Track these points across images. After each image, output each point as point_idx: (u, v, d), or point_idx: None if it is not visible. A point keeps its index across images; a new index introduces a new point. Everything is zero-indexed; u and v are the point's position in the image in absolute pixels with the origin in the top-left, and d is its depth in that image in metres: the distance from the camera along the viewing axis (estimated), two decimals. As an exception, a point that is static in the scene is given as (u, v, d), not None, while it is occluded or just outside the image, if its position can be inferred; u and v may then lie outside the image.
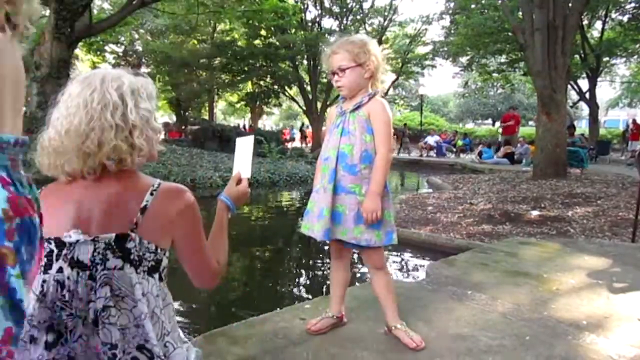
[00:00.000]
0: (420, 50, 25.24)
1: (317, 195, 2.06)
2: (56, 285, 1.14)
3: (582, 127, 28.94)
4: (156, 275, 1.19)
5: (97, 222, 1.16)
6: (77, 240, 1.15)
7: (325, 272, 4.65)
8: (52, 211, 1.18)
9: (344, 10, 22.31)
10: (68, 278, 1.14)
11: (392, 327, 2.10)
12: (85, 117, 1.16)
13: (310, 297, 3.78)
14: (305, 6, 22.15)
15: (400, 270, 4.49)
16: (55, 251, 1.16)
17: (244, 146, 1.66)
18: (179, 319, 3.02)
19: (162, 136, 1.30)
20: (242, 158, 1.64)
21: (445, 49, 22.90)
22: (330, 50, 2.01)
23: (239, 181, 1.59)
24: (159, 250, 1.19)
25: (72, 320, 1.13)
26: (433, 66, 25.52)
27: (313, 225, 2.03)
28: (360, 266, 4.47)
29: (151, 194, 1.18)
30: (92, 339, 1.12)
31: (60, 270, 1.15)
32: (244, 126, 32.03)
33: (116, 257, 1.14)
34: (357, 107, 1.99)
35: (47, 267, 1.16)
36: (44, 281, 1.15)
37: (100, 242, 1.14)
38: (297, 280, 4.57)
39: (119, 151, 1.16)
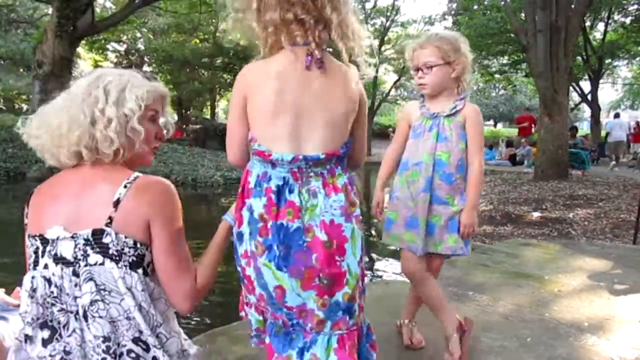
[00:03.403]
0: (423, 50, 25.21)
1: (400, 203, 1.91)
2: (44, 282, 1.15)
3: (583, 129, 28.89)
4: (140, 270, 1.17)
5: (75, 217, 1.16)
6: (58, 237, 1.15)
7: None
8: (37, 208, 1.22)
9: (346, 10, 22.31)
10: (53, 274, 1.14)
11: (402, 322, 2.11)
12: (62, 103, 1.23)
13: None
14: (308, 6, 22.15)
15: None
16: (41, 248, 1.16)
17: None
18: (181, 318, 3.02)
19: (141, 138, 1.26)
20: None
21: (447, 49, 22.82)
22: (417, 44, 1.87)
23: None
24: (138, 245, 1.16)
25: (64, 315, 1.13)
26: (435, 67, 25.50)
27: (402, 235, 1.90)
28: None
29: (125, 186, 1.17)
30: (86, 332, 1.12)
31: (46, 266, 1.15)
32: None
33: (95, 252, 1.13)
34: (454, 112, 1.86)
35: (35, 263, 1.17)
36: (32, 277, 1.16)
37: (79, 238, 1.14)
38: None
39: (92, 140, 1.19)
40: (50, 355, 1.12)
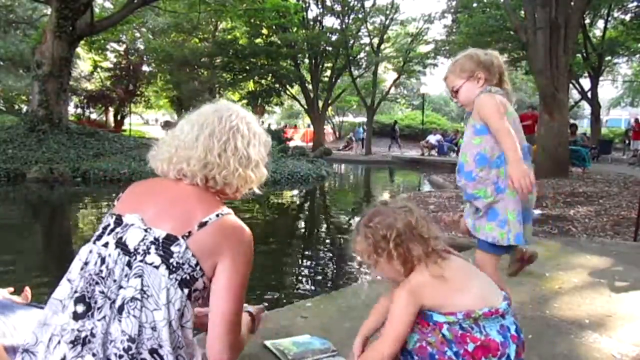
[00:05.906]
0: (422, 49, 25.17)
1: None
2: (97, 258, 1.16)
3: (584, 126, 28.89)
4: (186, 290, 1.16)
5: (158, 215, 1.19)
6: (133, 224, 1.18)
7: (326, 270, 4.66)
8: (135, 196, 1.28)
9: (346, 8, 22.25)
10: (109, 255, 1.16)
11: None
12: (218, 133, 1.27)
13: (312, 295, 3.78)
14: (307, 5, 22.13)
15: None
16: (111, 226, 1.20)
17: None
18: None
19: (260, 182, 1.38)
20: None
21: (447, 47, 22.83)
22: (444, 77, 2.09)
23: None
24: (198, 268, 1.17)
25: (103, 299, 1.13)
26: (435, 65, 25.43)
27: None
28: (354, 268, 4.46)
29: (217, 215, 1.21)
30: (112, 325, 1.11)
31: (106, 245, 1.18)
32: (284, 126, 29.49)
33: (157, 254, 1.15)
34: (470, 114, 2.05)
35: (98, 238, 1.20)
36: (90, 251, 1.18)
37: (150, 234, 1.16)
38: (298, 278, 4.56)
39: (232, 174, 1.26)
40: (78, 330, 1.11)
